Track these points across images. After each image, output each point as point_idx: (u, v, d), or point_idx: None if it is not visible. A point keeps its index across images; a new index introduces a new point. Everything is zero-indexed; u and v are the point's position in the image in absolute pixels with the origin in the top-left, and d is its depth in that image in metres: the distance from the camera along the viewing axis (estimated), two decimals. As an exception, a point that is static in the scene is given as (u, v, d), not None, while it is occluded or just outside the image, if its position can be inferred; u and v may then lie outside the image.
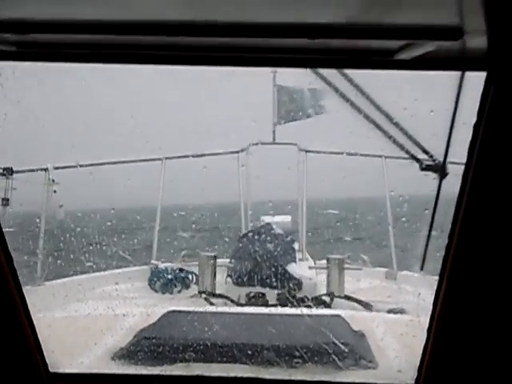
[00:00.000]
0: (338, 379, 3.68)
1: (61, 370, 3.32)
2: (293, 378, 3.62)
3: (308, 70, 2.90)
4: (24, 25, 1.89)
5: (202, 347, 4.20)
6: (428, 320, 2.95)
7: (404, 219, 7.67)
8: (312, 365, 4.01)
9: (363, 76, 2.88)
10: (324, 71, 2.83)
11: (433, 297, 2.85)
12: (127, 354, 4.25)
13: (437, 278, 2.82)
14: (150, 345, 4.27)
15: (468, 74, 2.57)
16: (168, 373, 3.79)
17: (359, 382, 3.37)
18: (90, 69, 2.39)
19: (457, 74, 2.69)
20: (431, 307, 2.88)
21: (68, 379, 3.31)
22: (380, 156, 8.16)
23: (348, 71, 2.89)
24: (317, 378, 3.67)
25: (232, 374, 3.54)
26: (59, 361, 3.39)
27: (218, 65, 2.33)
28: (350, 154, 7.73)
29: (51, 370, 3.25)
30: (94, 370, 3.67)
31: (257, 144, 9.60)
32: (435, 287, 2.84)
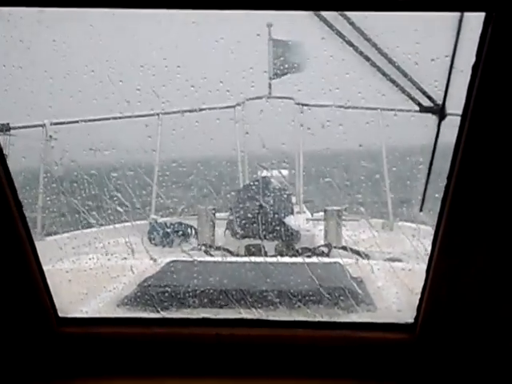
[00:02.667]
0: (338, 320, 3.78)
1: (69, 315, 3.41)
2: (295, 318, 3.73)
3: (303, 18, 2.92)
4: None
5: (206, 294, 4.29)
6: (423, 266, 3.04)
7: (398, 169, 7.73)
8: (312, 307, 4.11)
9: (364, 20, 2.92)
10: (326, 15, 2.87)
11: (431, 237, 2.93)
12: (132, 301, 4.34)
13: (432, 229, 2.90)
14: (154, 292, 4.36)
15: (469, 16, 2.61)
16: (173, 316, 3.89)
17: (360, 322, 3.46)
18: (96, 14, 2.43)
19: (457, 16, 2.72)
20: (429, 248, 2.96)
21: (76, 323, 3.40)
22: (376, 109, 8.16)
23: (350, 14, 2.92)
24: (317, 319, 3.78)
25: (237, 317, 3.64)
26: (68, 307, 3.49)
27: (213, 8, 2.34)
28: (347, 107, 7.73)
29: (60, 314, 3.34)
30: (102, 315, 3.77)
31: (253, 98, 9.58)
32: (429, 235, 2.92)
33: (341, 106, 7.88)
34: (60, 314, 3.34)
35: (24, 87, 4.75)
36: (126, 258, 5.50)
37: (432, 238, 2.93)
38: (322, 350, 3.26)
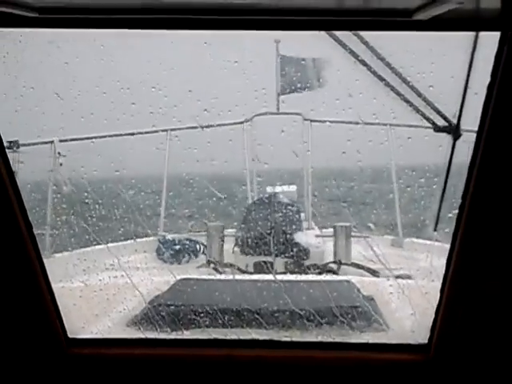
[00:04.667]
0: (351, 341, 3.74)
1: (79, 336, 3.39)
2: (307, 339, 3.69)
3: (312, 39, 2.90)
4: None
5: (215, 313, 4.26)
6: (434, 284, 3.00)
7: (409, 188, 7.70)
8: (324, 328, 4.07)
9: (378, 39, 2.90)
10: (339, 35, 2.85)
11: (445, 259, 2.90)
12: (141, 320, 4.31)
13: (442, 244, 2.87)
14: (163, 311, 4.33)
15: (483, 36, 2.59)
16: (185, 337, 3.86)
17: (373, 343, 3.42)
18: (107, 35, 2.42)
19: (472, 36, 2.70)
20: (444, 269, 2.93)
21: (86, 344, 3.37)
22: (385, 124, 8.13)
23: (363, 34, 2.90)
24: (330, 339, 3.73)
25: (248, 337, 3.60)
26: (77, 327, 3.46)
27: (230, 28, 2.33)
28: (356, 123, 7.71)
29: (70, 335, 3.32)
30: (111, 335, 3.74)
31: (261, 114, 9.57)
32: (439, 253, 2.89)
33: (350, 122, 7.88)
34: (70, 335, 3.32)
35: (35, 108, 4.76)
36: (134, 276, 5.47)
37: (446, 257, 2.90)
38: (335, 372, 3.22)
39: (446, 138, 3.28)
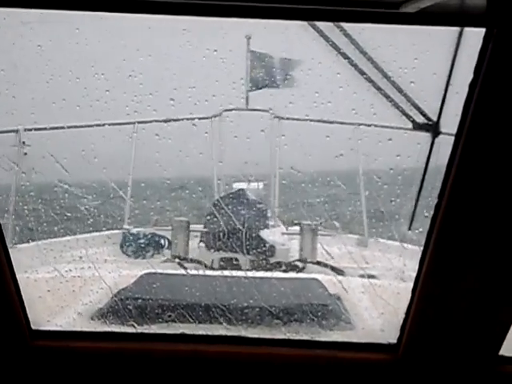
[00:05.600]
0: (319, 339, 3.71)
1: (42, 328, 3.31)
2: (274, 336, 3.65)
3: (283, 35, 2.86)
4: None
5: (180, 308, 4.21)
6: (399, 284, 2.99)
7: (378, 186, 7.73)
8: (292, 325, 4.05)
9: (361, 32, 2.87)
10: (321, 25, 2.82)
11: (402, 261, 2.90)
12: (106, 313, 4.25)
13: (408, 246, 2.86)
14: (128, 305, 4.27)
15: (467, 33, 2.58)
16: (151, 331, 3.80)
17: (341, 342, 3.40)
18: (83, 17, 2.35)
19: (455, 33, 2.69)
20: (402, 272, 2.92)
21: (50, 336, 3.29)
22: (353, 124, 8.15)
23: (346, 26, 2.87)
24: (298, 337, 3.71)
25: (215, 333, 3.56)
26: (41, 319, 3.39)
27: (210, 15, 2.27)
28: (326, 121, 7.70)
29: (33, 327, 3.24)
30: (75, 328, 3.67)
31: (230, 110, 9.52)
32: (406, 254, 2.88)
33: (319, 121, 7.87)
34: (33, 327, 3.23)
35: (5, 91, 4.63)
36: (99, 269, 5.39)
37: (419, 257, 2.89)
38: (302, 370, 3.19)
39: (426, 136, 3.27)
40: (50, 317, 3.87)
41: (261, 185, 9.71)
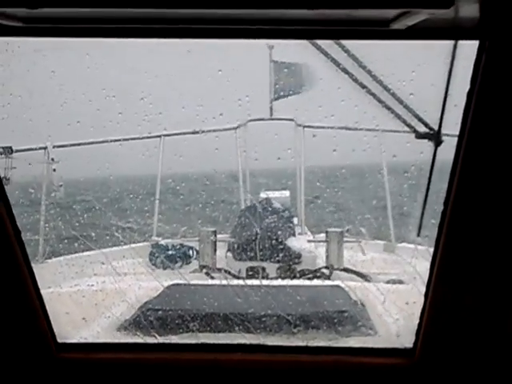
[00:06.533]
0: (337, 345, 3.76)
1: (68, 340, 3.40)
2: (294, 344, 3.71)
3: (303, 43, 2.93)
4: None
5: (205, 318, 4.28)
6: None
7: (401, 191, 7.74)
8: (312, 332, 4.10)
9: (359, 48, 2.94)
10: (321, 43, 2.89)
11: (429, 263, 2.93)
12: (132, 325, 4.33)
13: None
14: (154, 316, 4.35)
15: (462, 44, 2.63)
16: (173, 341, 3.88)
17: (359, 347, 3.44)
18: (93, 44, 2.45)
19: (451, 45, 2.75)
20: (428, 273, 2.96)
21: (75, 348, 3.38)
22: (377, 130, 8.17)
23: (345, 43, 2.94)
24: (317, 344, 3.75)
25: (235, 342, 3.62)
26: (67, 332, 3.48)
27: (215, 37, 2.36)
28: (348, 128, 7.75)
29: (59, 340, 3.33)
30: (101, 340, 3.76)
31: (254, 120, 9.61)
32: (428, 258, 2.91)
33: (342, 128, 7.91)
34: (59, 340, 3.33)
35: (22, 116, 4.77)
36: (126, 281, 5.49)
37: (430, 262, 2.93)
38: (321, 376, 3.24)
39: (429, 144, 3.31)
40: (79, 330, 3.97)
41: (287, 193, 9.78)
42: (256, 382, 3.26)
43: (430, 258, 2.93)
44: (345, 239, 8.24)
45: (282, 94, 9.49)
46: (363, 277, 7.35)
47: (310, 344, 3.61)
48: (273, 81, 9.56)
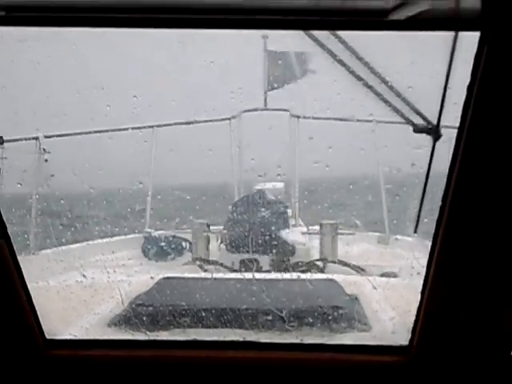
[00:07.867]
0: (331, 342, 3.71)
1: (57, 337, 3.34)
2: (287, 341, 3.66)
3: (298, 33, 2.87)
4: None
5: (197, 313, 4.22)
6: (421, 282, 2.98)
7: (397, 184, 7.71)
8: (306, 328, 4.04)
9: (357, 39, 2.87)
10: (317, 34, 2.82)
11: (426, 259, 2.88)
12: (123, 320, 4.26)
13: (429, 242, 2.84)
14: (145, 311, 4.28)
15: (463, 35, 2.56)
16: (164, 338, 3.82)
17: (353, 344, 3.39)
18: (79, 33, 2.37)
19: (451, 36, 2.68)
20: (424, 269, 2.91)
21: (64, 345, 3.32)
22: (371, 121, 8.11)
23: (342, 33, 2.88)
24: (311, 340, 3.70)
25: (228, 338, 3.57)
26: (55, 328, 3.41)
27: (207, 27, 2.30)
28: (343, 119, 7.69)
29: (48, 336, 3.27)
30: (91, 337, 3.70)
31: (249, 110, 9.54)
32: (427, 251, 2.86)
33: (338, 119, 7.85)
34: (47, 336, 3.27)
35: (7, 107, 4.69)
36: (118, 274, 5.42)
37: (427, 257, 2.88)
38: (315, 374, 3.19)
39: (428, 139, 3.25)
40: (67, 325, 3.90)
41: (281, 185, 9.73)
42: (249, 380, 3.21)
43: (426, 251, 2.88)
44: (339, 231, 8.22)
45: (276, 85, 9.42)
46: (357, 269, 7.33)
47: (303, 341, 3.56)
48: (267, 71, 9.49)
